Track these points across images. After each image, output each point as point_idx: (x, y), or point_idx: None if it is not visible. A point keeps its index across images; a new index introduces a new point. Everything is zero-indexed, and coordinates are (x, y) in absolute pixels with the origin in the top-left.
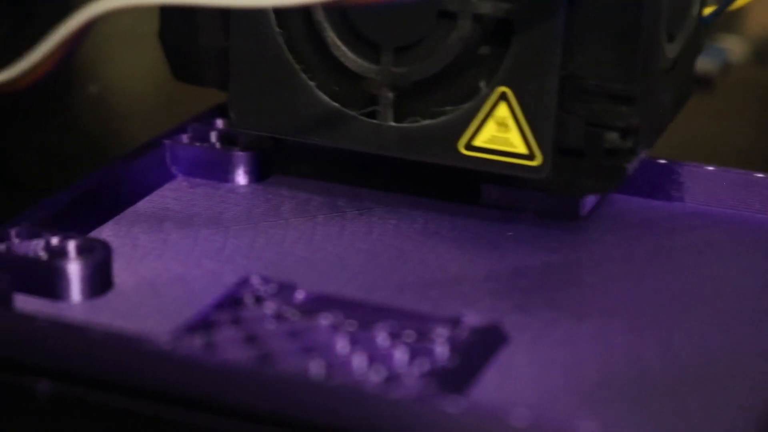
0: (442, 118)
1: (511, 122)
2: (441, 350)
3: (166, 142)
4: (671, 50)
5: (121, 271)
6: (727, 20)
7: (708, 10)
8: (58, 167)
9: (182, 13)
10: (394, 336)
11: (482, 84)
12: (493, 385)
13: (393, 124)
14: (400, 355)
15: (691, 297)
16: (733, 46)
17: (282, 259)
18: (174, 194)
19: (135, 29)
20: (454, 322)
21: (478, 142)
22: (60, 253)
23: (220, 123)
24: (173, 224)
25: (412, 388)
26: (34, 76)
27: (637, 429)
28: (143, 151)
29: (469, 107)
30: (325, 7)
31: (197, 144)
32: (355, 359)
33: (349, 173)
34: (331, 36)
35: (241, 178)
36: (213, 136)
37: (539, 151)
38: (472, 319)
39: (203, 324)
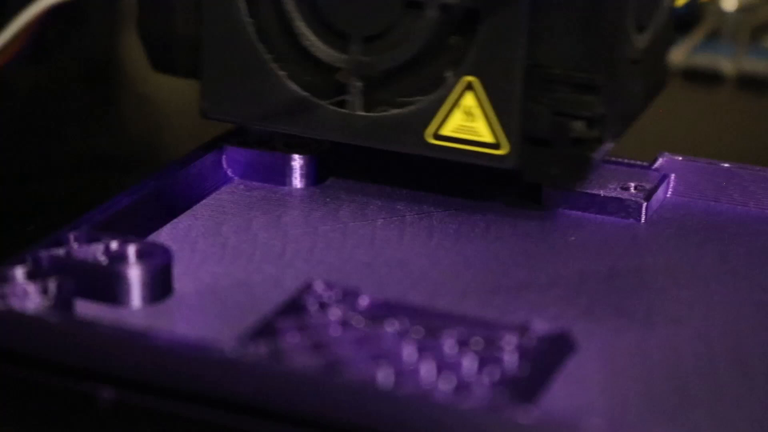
0: (410, 108)
1: (477, 111)
2: (510, 358)
3: (223, 144)
4: (641, 41)
5: (180, 276)
6: None
7: (680, 2)
8: (111, 170)
9: (159, 2)
10: (462, 344)
11: (449, 73)
12: (564, 394)
13: (362, 113)
14: (469, 363)
15: (759, 304)
16: None
17: (343, 264)
18: (231, 197)
19: None
20: (523, 330)
21: (445, 131)
22: (120, 258)
23: None
24: (231, 228)
25: (482, 398)
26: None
27: None
28: (200, 154)
29: (436, 97)
30: None
31: (254, 147)
32: (424, 367)
33: (406, 176)
34: (301, 26)
35: (298, 181)
36: (269, 139)
37: (506, 140)
38: (541, 326)
39: (268, 330)
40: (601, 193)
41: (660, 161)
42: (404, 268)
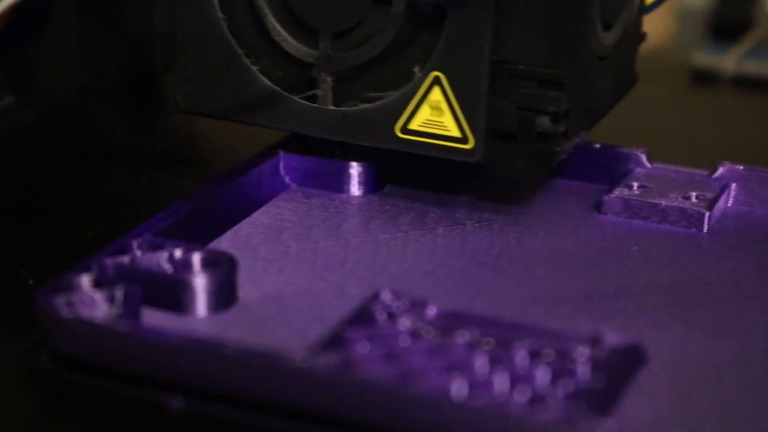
0: (379, 102)
1: (444, 106)
2: (583, 370)
3: (281, 151)
4: (608, 38)
5: (244, 284)
6: None
7: (650, 0)
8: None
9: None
10: (534, 355)
11: (416, 69)
12: (636, 407)
13: (332, 107)
14: (542, 375)
15: None
16: None
17: (405, 272)
18: (289, 205)
19: None
20: (594, 341)
21: (413, 125)
22: (185, 266)
23: None
24: (291, 236)
25: (558, 410)
26: None
27: None
28: (257, 161)
29: (405, 91)
30: None
31: (311, 154)
32: (497, 379)
33: (463, 183)
34: (272, 21)
35: (356, 188)
36: (327, 146)
37: (472, 134)
38: (611, 337)
39: (337, 340)
40: (663, 202)
41: (720, 170)
42: (467, 277)
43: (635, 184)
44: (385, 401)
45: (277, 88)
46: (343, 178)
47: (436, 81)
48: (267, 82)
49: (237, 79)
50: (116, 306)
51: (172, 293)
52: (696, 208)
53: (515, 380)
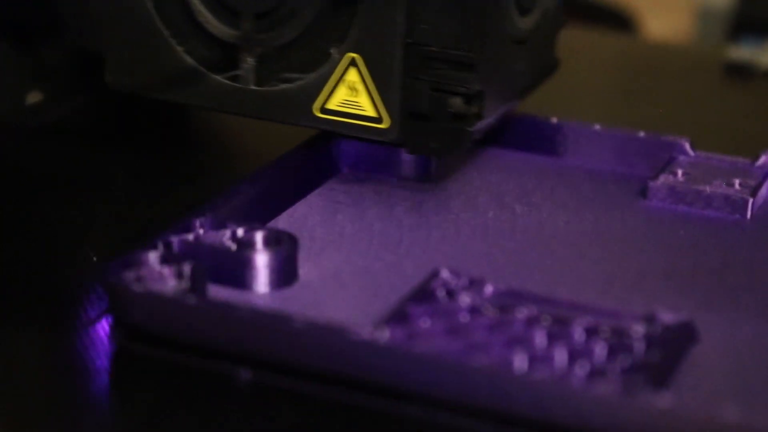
0: (299, 83)
1: (360, 87)
2: (638, 346)
3: (335, 137)
4: (524, 22)
5: (303, 263)
6: None
7: None
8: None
9: None
10: (591, 331)
11: (334, 50)
12: (691, 382)
13: (254, 87)
14: (600, 350)
15: None
16: None
17: (459, 253)
18: (343, 187)
19: None
20: (648, 319)
21: (331, 105)
22: (248, 244)
23: None
24: (346, 217)
25: (617, 383)
26: None
27: None
28: (312, 145)
29: (323, 72)
30: None
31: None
32: (556, 354)
33: (512, 171)
34: (196, 3)
35: (407, 173)
36: None
37: (387, 114)
38: (665, 316)
39: (400, 315)
40: (707, 189)
41: (763, 159)
42: (520, 258)
43: (679, 171)
44: (449, 374)
45: (201, 67)
46: (396, 163)
47: (352, 62)
48: (191, 61)
49: (163, 58)
50: (184, 281)
51: (235, 270)
52: (740, 195)
53: (574, 355)
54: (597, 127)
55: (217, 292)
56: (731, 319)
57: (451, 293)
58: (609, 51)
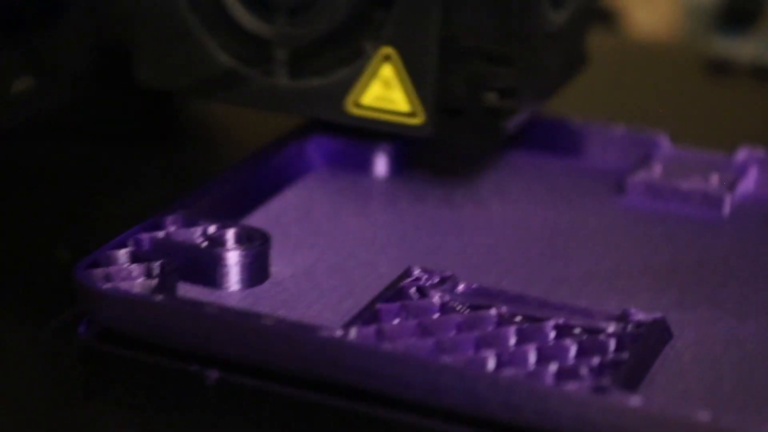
0: (332, 78)
1: (395, 82)
2: (610, 345)
3: (308, 132)
4: (557, 17)
5: (276, 260)
6: None
7: None
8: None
9: None
10: (562, 330)
11: (368, 45)
12: (663, 382)
13: (287, 83)
14: (571, 349)
15: None
16: None
17: (434, 250)
18: (317, 184)
19: None
20: (621, 318)
21: (365, 100)
22: (219, 242)
23: None
24: (321, 214)
25: (587, 382)
26: None
27: None
28: (286, 142)
29: (357, 67)
30: None
31: (339, 135)
32: (527, 352)
33: (489, 166)
34: None
35: (382, 169)
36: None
37: (422, 109)
38: (638, 315)
39: (371, 314)
40: (685, 185)
41: (740, 154)
42: (496, 255)
43: (657, 167)
44: (419, 372)
45: (235, 63)
46: (370, 159)
47: (387, 57)
48: (225, 57)
49: (195, 55)
50: (153, 279)
51: (206, 268)
52: (717, 191)
53: (545, 354)
54: (575, 121)
55: (187, 290)
56: (706, 317)
57: (422, 291)
58: (590, 45)
